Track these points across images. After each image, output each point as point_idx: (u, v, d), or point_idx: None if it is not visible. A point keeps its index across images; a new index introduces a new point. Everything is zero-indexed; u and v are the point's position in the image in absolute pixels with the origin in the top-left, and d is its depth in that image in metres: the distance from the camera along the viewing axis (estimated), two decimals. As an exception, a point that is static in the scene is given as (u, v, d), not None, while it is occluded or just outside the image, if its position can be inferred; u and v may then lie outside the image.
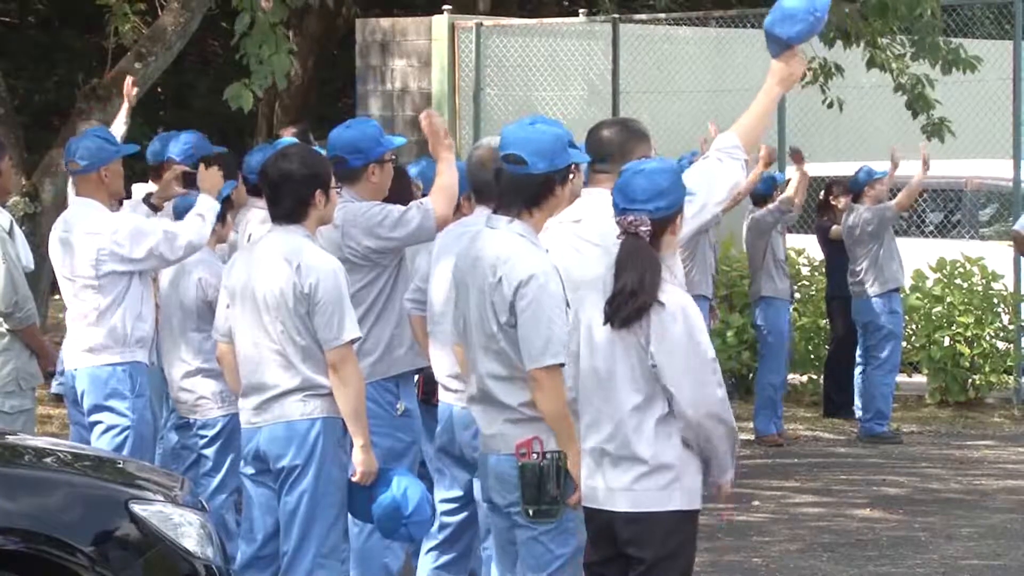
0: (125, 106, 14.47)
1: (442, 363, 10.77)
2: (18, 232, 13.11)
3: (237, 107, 15.07)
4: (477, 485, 10.15)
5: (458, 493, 11.04)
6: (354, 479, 10.36)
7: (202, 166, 12.85)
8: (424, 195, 11.67)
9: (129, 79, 15.03)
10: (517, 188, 9.15)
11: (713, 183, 9.08)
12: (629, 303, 8.01)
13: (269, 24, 15.86)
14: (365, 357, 11.33)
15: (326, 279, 10.18)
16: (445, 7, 27.30)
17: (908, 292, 23.50)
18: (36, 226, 12.85)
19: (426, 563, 11.51)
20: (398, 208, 11.37)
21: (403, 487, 10.55)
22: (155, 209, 13.10)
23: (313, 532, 10.48)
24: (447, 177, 10.96)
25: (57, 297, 13.09)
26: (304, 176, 10.48)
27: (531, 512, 9.09)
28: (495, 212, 9.46)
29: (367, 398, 10.97)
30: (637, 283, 8.06)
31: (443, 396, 10.86)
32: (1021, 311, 24.30)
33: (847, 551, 16.18)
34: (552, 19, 28.69)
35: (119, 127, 14.13)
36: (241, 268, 10.67)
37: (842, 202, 22.65)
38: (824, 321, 23.19)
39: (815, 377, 23.39)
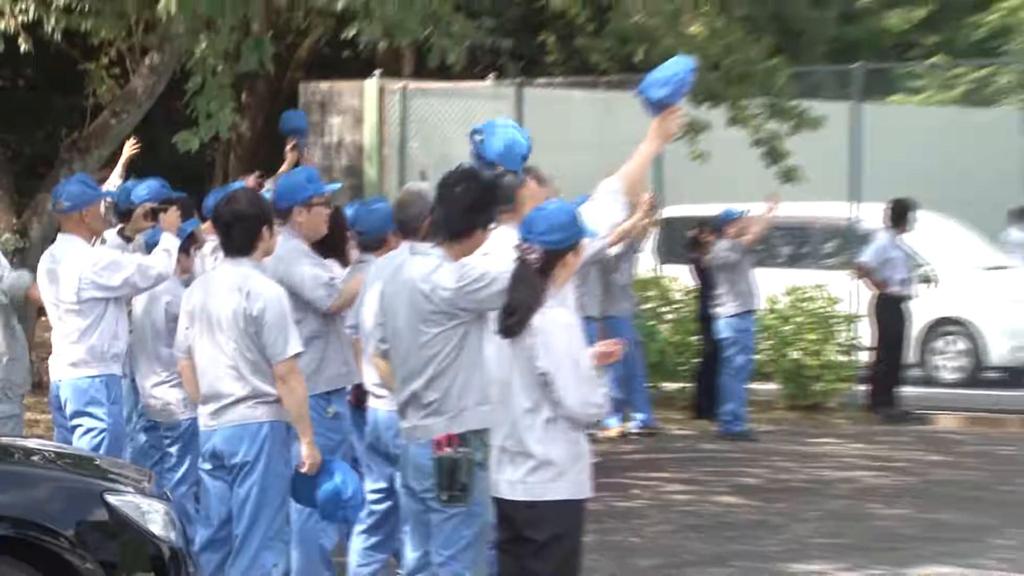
0: (122, 161, 14.63)
1: (371, 374, 10.99)
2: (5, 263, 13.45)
3: (185, 150, 15.38)
4: (399, 477, 10.24)
5: (383, 485, 11.35)
6: (302, 470, 10.56)
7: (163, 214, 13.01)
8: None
9: (129, 142, 15.16)
10: (444, 223, 9.43)
11: (596, 221, 9.27)
12: (510, 318, 8.43)
13: (219, 85, 16.06)
14: (319, 357, 11.81)
15: (272, 304, 10.43)
16: (375, 72, 27.41)
17: (763, 313, 23.69)
18: (25, 259, 13.03)
19: (356, 544, 11.83)
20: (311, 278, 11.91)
21: (342, 476, 10.85)
22: (128, 240, 13.33)
23: (261, 518, 10.70)
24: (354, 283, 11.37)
25: (44, 319, 13.16)
26: (251, 216, 10.73)
27: (444, 498, 9.27)
28: (418, 240, 10.02)
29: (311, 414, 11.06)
30: (518, 302, 8.47)
31: (372, 402, 11.16)
32: (856, 329, 24.59)
33: (711, 531, 16.38)
34: (465, 83, 28.79)
35: (115, 179, 14.45)
36: (198, 294, 10.94)
37: (709, 238, 22.79)
38: (694, 338, 23.28)
39: (686, 385, 23.41)
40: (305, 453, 10.57)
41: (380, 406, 11.00)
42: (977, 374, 27.27)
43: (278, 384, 10.57)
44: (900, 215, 24.90)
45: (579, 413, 8.45)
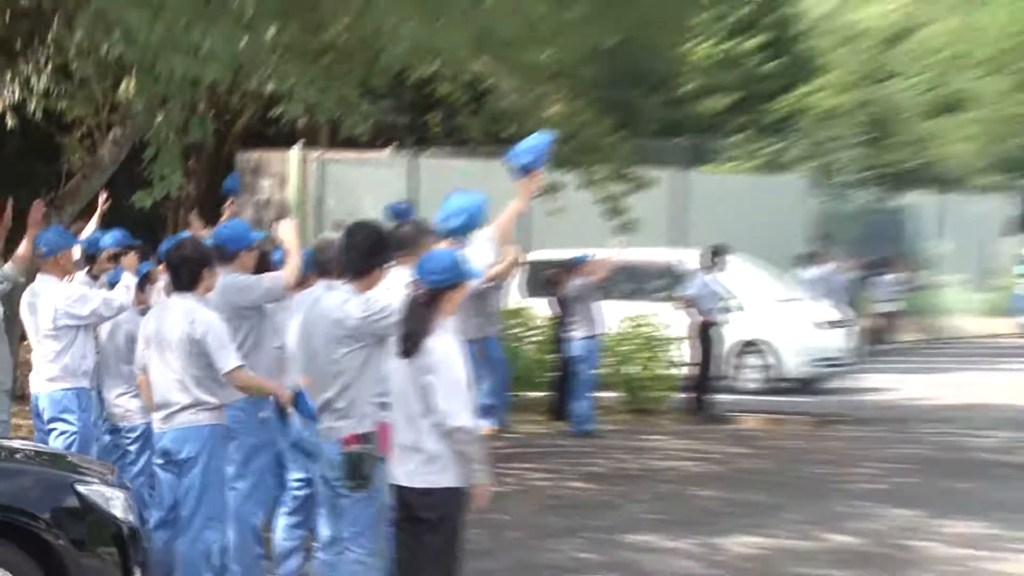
0: (97, 215, 14.60)
1: (298, 377, 10.92)
2: None
3: (141, 206, 15.40)
4: (316, 469, 10.43)
5: (303, 475, 11.53)
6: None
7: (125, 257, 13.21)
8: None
9: (102, 197, 14.98)
10: (350, 261, 9.97)
11: (474, 263, 9.55)
12: (407, 342, 8.85)
13: (171, 154, 15.94)
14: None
15: (212, 328, 10.56)
16: (297, 143, 27.29)
17: (607, 336, 23.65)
18: (11, 294, 12.83)
19: (281, 523, 12.06)
20: (259, 276, 11.96)
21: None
22: (95, 278, 13.38)
23: (203, 503, 10.68)
24: (293, 261, 11.27)
25: (25, 343, 13.01)
26: (195, 259, 10.92)
27: (351, 485, 9.72)
28: (332, 278, 10.35)
29: (240, 409, 11.47)
30: (410, 329, 8.84)
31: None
32: (679, 348, 24.71)
33: (565, 510, 16.33)
34: (370, 153, 28.69)
35: (91, 228, 14.52)
36: (153, 322, 11.01)
37: (565, 277, 22.77)
38: (551, 356, 23.23)
39: (545, 394, 23.35)
40: (280, 395, 10.78)
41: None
42: (774, 384, 27.37)
43: (234, 387, 10.83)
44: (714, 258, 25.02)
45: (448, 420, 8.57)
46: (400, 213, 13.04)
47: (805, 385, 28.02)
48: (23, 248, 12.96)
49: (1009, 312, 38.64)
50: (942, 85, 63.65)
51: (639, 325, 24.73)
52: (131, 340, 11.84)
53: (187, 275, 10.93)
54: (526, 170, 10.16)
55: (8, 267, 13.04)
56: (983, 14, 65.14)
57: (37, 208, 12.97)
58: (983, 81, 62.34)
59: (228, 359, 10.62)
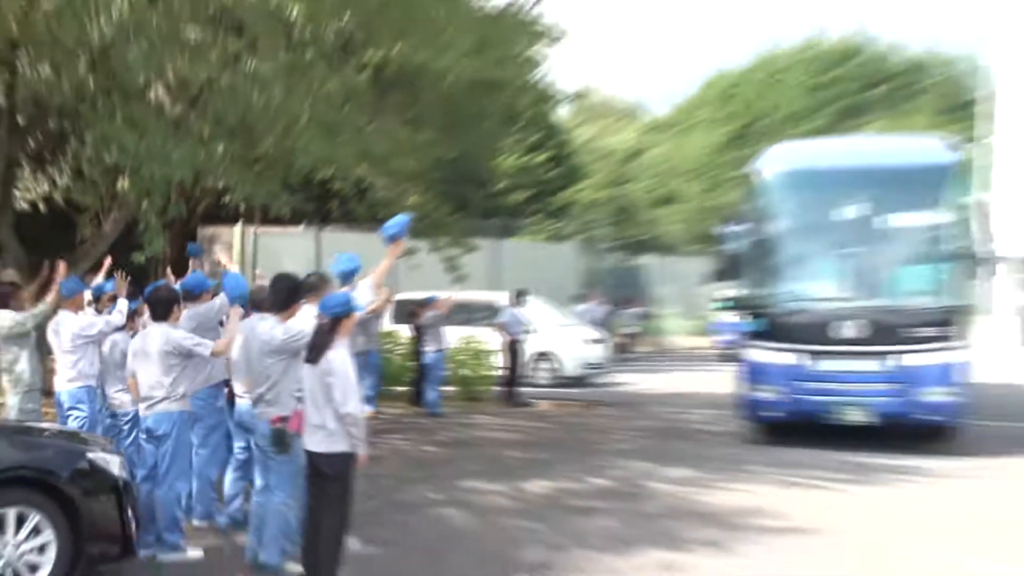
0: (104, 270, 14.28)
1: (238, 385, 11.29)
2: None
3: (135, 262, 15.37)
4: (253, 440, 10.82)
5: (244, 444, 11.74)
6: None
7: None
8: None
9: (107, 258, 14.69)
10: (275, 300, 10.23)
11: (360, 302, 10.18)
12: (313, 353, 9.13)
13: (154, 228, 15.70)
14: (203, 372, 11.77)
15: (182, 343, 10.81)
16: (240, 221, 26.94)
17: (449, 349, 23.43)
18: (42, 323, 12.62)
19: (228, 477, 12.14)
20: (210, 305, 12.33)
21: None
22: (99, 312, 13.14)
23: (174, 464, 10.82)
24: (232, 324, 11.12)
25: (50, 355, 12.63)
26: (168, 300, 11.20)
27: (276, 451, 10.05)
28: (264, 311, 10.43)
29: (201, 398, 11.69)
30: (316, 345, 9.11)
31: (238, 400, 11.31)
32: (497, 358, 24.48)
33: (420, 466, 16.21)
34: (289, 227, 28.29)
35: (100, 278, 13.99)
36: (139, 341, 11.22)
37: (420, 311, 22.53)
38: (411, 363, 22.97)
39: (407, 388, 23.06)
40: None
41: (242, 402, 11.14)
42: (558, 380, 27.36)
43: (220, 355, 11.13)
44: (518, 298, 24.84)
45: (342, 407, 8.88)
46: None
47: (577, 381, 27.89)
48: (52, 292, 12.69)
49: (707, 333, 39.03)
50: (661, 187, 64.29)
51: (470, 342, 24.56)
52: (123, 354, 11.58)
53: (163, 310, 10.99)
54: (393, 239, 10.92)
55: (43, 305, 12.75)
56: (687, 141, 66.24)
57: (61, 266, 12.71)
58: (687, 184, 63.23)
59: (207, 348, 10.83)
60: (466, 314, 25.68)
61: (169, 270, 14.82)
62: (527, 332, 24.93)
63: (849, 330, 16.76)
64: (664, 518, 12.60)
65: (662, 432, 20.02)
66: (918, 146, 19.97)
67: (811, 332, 16.96)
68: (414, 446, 17.94)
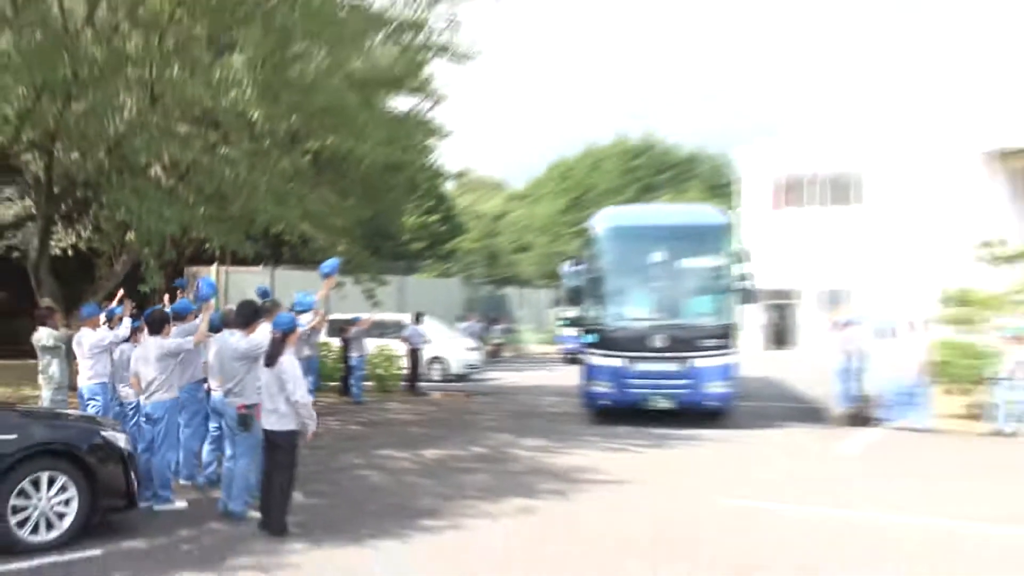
0: (117, 299, 14.03)
1: (213, 382, 10.90)
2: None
3: (140, 292, 15.07)
4: (224, 422, 10.46)
5: (217, 425, 11.27)
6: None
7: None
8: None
9: (121, 293, 14.32)
10: (240, 319, 10.15)
11: (304, 322, 10.72)
12: (270, 358, 9.19)
13: (153, 267, 15.44)
14: (187, 372, 11.54)
15: (172, 348, 10.70)
16: (215, 262, 26.40)
17: (369, 355, 23.12)
18: (69, 338, 12.29)
19: (205, 448, 11.81)
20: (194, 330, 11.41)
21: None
22: (111, 328, 12.69)
23: (166, 440, 10.73)
24: (205, 316, 11.01)
25: (74, 360, 12.28)
26: (160, 319, 10.95)
27: (240, 430, 9.97)
28: (232, 328, 10.28)
29: (186, 391, 11.40)
30: (272, 352, 9.20)
31: (213, 393, 10.94)
32: (403, 360, 24.15)
33: (348, 441, 15.97)
34: (252, 267, 27.78)
35: (112, 304, 13.67)
36: (140, 349, 11.02)
37: (347, 327, 22.29)
38: (341, 365, 22.58)
39: (338, 383, 22.67)
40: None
41: (216, 394, 10.77)
42: (447, 377, 26.97)
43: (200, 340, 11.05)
44: (418, 317, 24.74)
45: (293, 397, 8.99)
46: (262, 293, 13.71)
47: (460, 378, 27.48)
48: (75, 318, 12.69)
49: (553, 343, 38.98)
50: (519, 239, 64.52)
51: (383, 350, 24.21)
52: (129, 359, 11.32)
53: (157, 327, 10.78)
54: (327, 276, 11.17)
55: (63, 333, 12.80)
56: (536, 208, 67.11)
57: (85, 298, 12.73)
58: (537, 238, 63.71)
59: (189, 342, 10.87)
60: (380, 330, 25.47)
61: (167, 298, 14.47)
62: (424, 342, 24.79)
63: (657, 342, 17.22)
64: (523, 475, 12.63)
65: (521, 413, 19.95)
66: (700, 211, 21.37)
67: (630, 343, 17.39)
68: (343, 425, 17.66)
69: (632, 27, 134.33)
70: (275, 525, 9.19)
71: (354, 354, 22.39)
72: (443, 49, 20.13)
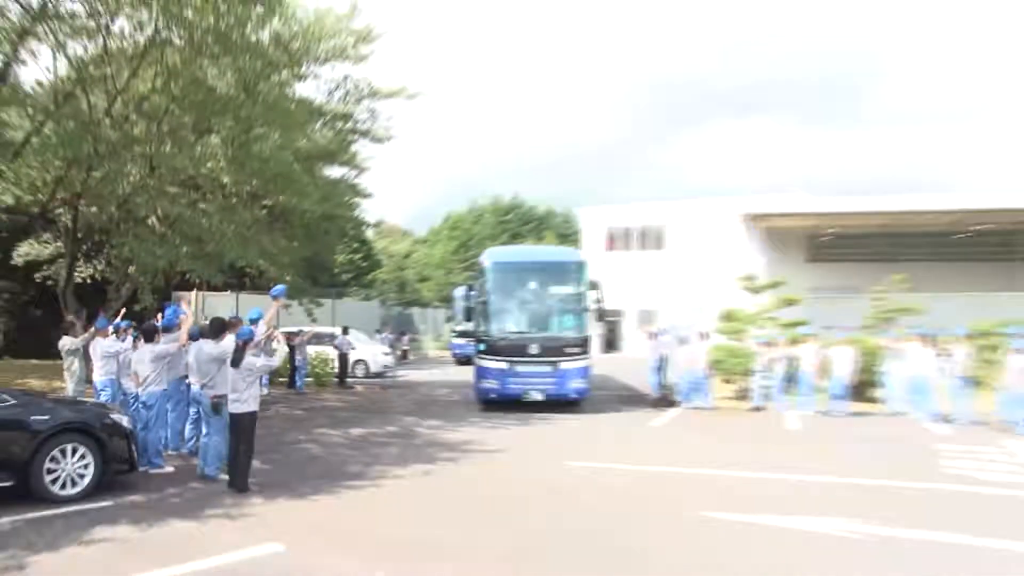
0: (119, 315, 13.69)
1: (193, 378, 10.60)
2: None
3: (138, 311, 14.64)
4: (202, 408, 10.08)
5: (196, 410, 10.95)
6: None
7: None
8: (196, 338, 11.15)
9: (123, 311, 14.20)
10: (212, 331, 10.11)
11: (257, 335, 9.92)
12: (235, 360, 9.00)
13: (148, 292, 15.16)
14: (173, 370, 11.20)
15: (161, 351, 10.70)
16: (195, 288, 25.66)
17: (311, 358, 22.77)
18: (86, 344, 11.98)
19: (187, 427, 11.44)
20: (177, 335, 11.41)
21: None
22: (118, 338, 12.24)
23: (157, 421, 10.82)
24: (185, 325, 11.23)
25: (90, 362, 11.96)
26: (152, 330, 11.04)
27: (214, 414, 9.76)
28: (206, 338, 10.13)
29: (172, 385, 11.15)
30: (235, 357, 9.03)
31: (193, 386, 10.66)
32: (334, 363, 23.75)
33: (292, 421, 15.68)
34: (222, 292, 26.98)
35: (118, 319, 13.13)
36: (137, 353, 11.08)
37: (293, 337, 21.90)
38: (288, 366, 22.11)
39: (286, 379, 22.27)
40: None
41: (195, 388, 10.48)
42: (369, 374, 26.39)
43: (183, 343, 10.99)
44: (345, 331, 24.54)
45: (260, 365, 9.13)
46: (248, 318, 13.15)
47: (378, 375, 26.83)
48: (91, 329, 12.23)
49: (449, 349, 38.40)
50: (421, 273, 64.17)
51: (320, 354, 23.88)
52: (130, 360, 11.17)
53: (150, 336, 10.78)
54: (275, 298, 10.75)
55: (86, 336, 12.40)
56: (435, 249, 66.92)
57: (97, 313, 12.33)
58: (435, 272, 63.52)
59: (176, 344, 10.93)
60: (317, 339, 25.16)
61: (159, 315, 14.25)
62: (351, 349, 24.53)
63: (532, 350, 17.04)
64: (425, 447, 12.64)
65: (423, 402, 19.79)
66: (564, 250, 21.91)
67: (511, 351, 17.11)
68: (290, 410, 17.36)
69: (500, 112, 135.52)
70: (239, 484, 9.20)
71: (299, 357, 22.09)
72: (365, 133, 20.34)
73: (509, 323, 17.61)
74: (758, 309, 20.58)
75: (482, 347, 17.50)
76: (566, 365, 17.08)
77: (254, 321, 11.85)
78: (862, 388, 18.12)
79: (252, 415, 9.33)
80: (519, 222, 67.17)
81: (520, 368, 17.07)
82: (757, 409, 17.44)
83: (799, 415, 16.57)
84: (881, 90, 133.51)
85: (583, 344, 17.39)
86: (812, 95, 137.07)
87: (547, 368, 17.06)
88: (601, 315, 18.19)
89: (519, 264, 18.93)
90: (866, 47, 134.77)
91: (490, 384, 17.33)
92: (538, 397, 17.08)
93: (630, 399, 19.85)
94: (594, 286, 17.97)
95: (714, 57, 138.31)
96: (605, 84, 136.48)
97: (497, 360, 17.21)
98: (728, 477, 10.28)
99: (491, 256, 18.60)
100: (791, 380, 17.93)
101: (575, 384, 17.20)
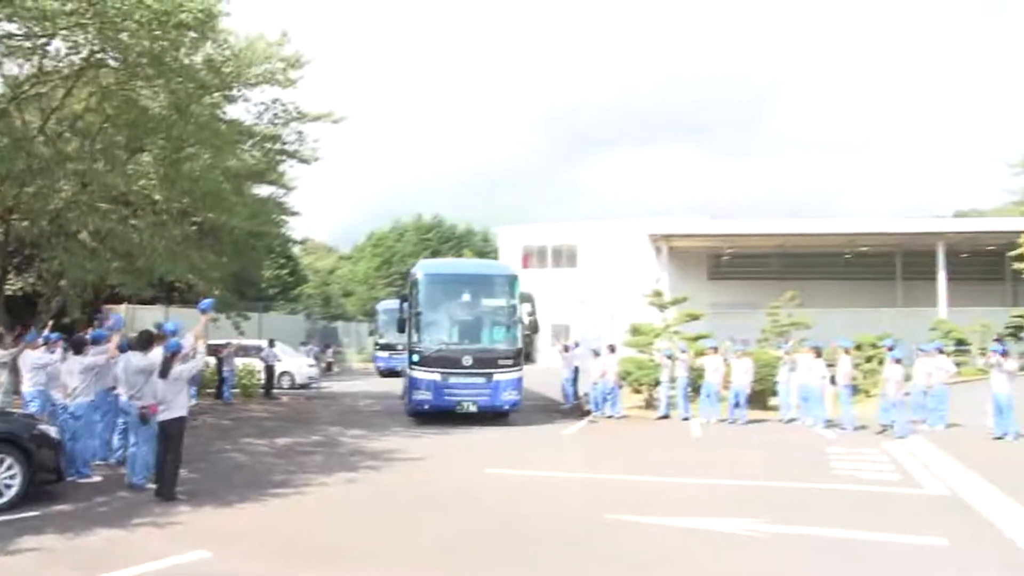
0: (49, 328, 13.30)
1: (121, 389, 10.55)
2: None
3: (67, 324, 14.15)
4: (131, 418, 9.85)
5: (124, 420, 10.84)
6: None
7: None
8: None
9: (51, 324, 13.77)
10: (139, 343, 10.01)
11: (185, 346, 9.52)
12: (163, 371, 8.87)
13: (77, 307, 14.73)
14: (101, 381, 10.90)
15: (89, 363, 10.44)
16: (125, 302, 24.87)
17: (237, 370, 22.36)
18: (16, 357, 11.60)
19: (115, 437, 11.26)
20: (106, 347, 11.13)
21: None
22: (48, 351, 11.82)
23: (85, 431, 10.36)
24: (112, 347, 10.97)
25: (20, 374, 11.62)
26: (81, 343, 10.96)
27: (142, 423, 9.30)
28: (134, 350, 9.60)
29: (100, 395, 10.82)
30: (164, 366, 8.90)
31: (121, 397, 10.59)
32: (262, 374, 23.28)
33: (220, 431, 15.44)
34: (153, 305, 26.32)
35: (46, 332, 12.90)
36: (66, 365, 10.75)
37: (221, 349, 21.43)
38: (216, 376, 21.64)
39: (213, 390, 21.77)
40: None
41: (123, 398, 10.35)
42: (295, 386, 25.97)
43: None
44: (271, 343, 24.18)
45: (186, 370, 9.06)
46: (162, 329, 12.69)
47: (303, 386, 26.52)
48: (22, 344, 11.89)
49: (373, 361, 37.75)
50: (346, 287, 63.64)
51: (247, 366, 23.40)
52: (58, 372, 10.81)
53: (78, 348, 10.62)
54: (204, 311, 10.05)
55: (14, 349, 12.02)
56: (359, 266, 66.45)
57: (22, 329, 11.99)
58: (359, 287, 63.19)
59: (104, 357, 10.64)
60: (244, 351, 24.75)
61: (89, 328, 13.85)
62: (277, 360, 24.19)
63: (465, 362, 16.32)
64: (348, 456, 12.54)
65: (346, 412, 19.61)
66: (495, 264, 20.15)
67: (445, 362, 16.34)
68: (217, 420, 17.09)
69: (422, 134, 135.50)
70: (167, 493, 9.00)
71: (226, 369, 21.71)
72: (293, 154, 20.18)
73: (442, 335, 16.83)
74: (663, 324, 21.02)
75: (415, 359, 16.55)
76: (500, 376, 16.42)
77: (173, 333, 11.54)
78: (760, 397, 18.69)
79: (181, 420, 9.20)
80: (440, 240, 67.16)
81: (454, 380, 16.27)
82: (664, 418, 17.79)
83: (702, 423, 17.01)
84: (778, 120, 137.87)
85: (516, 356, 16.78)
86: (716, 123, 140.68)
87: (481, 380, 16.32)
88: (534, 328, 17.54)
89: (451, 276, 18.20)
90: (763, 81, 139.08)
91: (423, 396, 16.40)
92: (472, 409, 16.33)
93: (545, 408, 19.95)
94: (526, 299, 17.44)
95: (625, 83, 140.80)
96: (522, 108, 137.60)
97: (430, 372, 16.33)
98: (636, 481, 10.50)
99: (423, 268, 17.80)
100: (695, 390, 18.37)
101: (508, 396, 16.60)
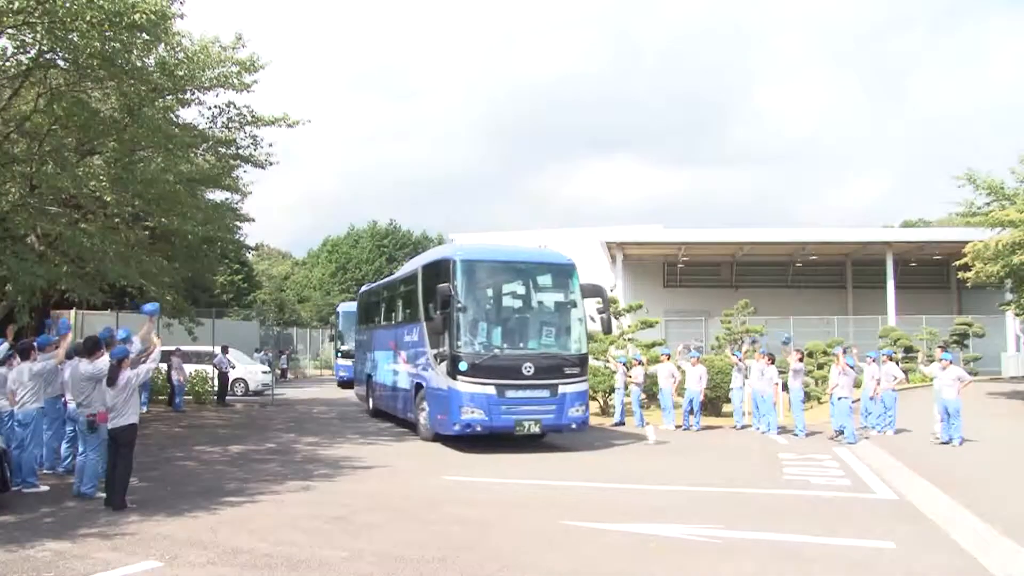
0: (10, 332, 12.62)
1: (68, 396, 10.48)
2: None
3: (16, 328, 13.76)
4: (79, 426, 9.68)
5: (72, 428, 10.87)
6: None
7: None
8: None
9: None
10: (86, 350, 9.57)
11: (134, 350, 9.41)
12: (111, 378, 8.74)
13: (25, 312, 14.38)
14: (49, 388, 10.71)
15: (38, 370, 10.15)
16: (74, 307, 24.31)
17: (188, 377, 21.99)
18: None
19: (64, 445, 11.14)
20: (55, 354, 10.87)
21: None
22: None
23: (32, 439, 10.21)
24: (63, 344, 10.78)
25: None
26: (28, 348, 10.41)
27: (89, 432, 9.31)
28: (81, 356, 9.32)
29: (48, 403, 10.56)
30: (110, 375, 8.77)
31: (69, 404, 10.54)
32: (215, 382, 22.98)
33: (172, 438, 15.11)
34: (101, 311, 25.81)
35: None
36: (15, 372, 10.35)
37: (172, 355, 21.10)
38: (167, 383, 21.31)
39: (165, 397, 21.40)
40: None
41: (71, 406, 10.28)
42: (248, 393, 25.75)
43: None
44: (225, 350, 23.82)
45: (138, 375, 8.86)
46: (107, 332, 12.43)
47: (257, 393, 26.55)
48: None
49: (333, 370, 37.56)
50: (301, 293, 63.01)
51: (199, 372, 23.22)
52: (5, 380, 10.35)
53: (25, 354, 10.29)
54: (150, 315, 9.88)
55: None
56: (314, 271, 66.11)
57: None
58: (314, 293, 62.88)
59: (52, 362, 10.38)
60: (197, 358, 24.40)
61: (34, 337, 13.52)
62: (230, 367, 23.89)
63: (526, 371, 13.31)
64: (303, 463, 12.45)
65: (301, 419, 19.47)
66: (548, 252, 15.61)
67: (500, 372, 13.26)
68: (169, 428, 16.78)
69: (380, 140, 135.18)
70: (116, 502, 8.82)
71: (179, 377, 21.34)
72: (247, 159, 19.97)
73: (493, 337, 13.53)
74: (618, 332, 21.13)
75: (461, 367, 13.08)
76: (566, 388, 13.48)
77: (124, 339, 11.33)
78: (714, 404, 18.89)
79: (132, 427, 9.01)
80: (395, 247, 66.96)
81: (512, 394, 13.17)
82: (619, 424, 17.89)
83: (657, 429, 17.12)
84: (732, 133, 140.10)
85: (582, 363, 13.91)
86: (670, 133, 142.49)
87: (545, 393, 13.32)
88: (607, 328, 14.69)
89: (501, 264, 14.27)
90: (719, 91, 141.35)
91: (474, 414, 13.15)
92: (535, 430, 13.41)
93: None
94: (595, 292, 14.47)
95: (583, 93, 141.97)
96: (481, 115, 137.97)
97: (482, 383, 13.08)
98: (592, 488, 10.52)
99: (460, 253, 13.80)
100: (650, 396, 18.51)
101: (575, 411, 13.65)
